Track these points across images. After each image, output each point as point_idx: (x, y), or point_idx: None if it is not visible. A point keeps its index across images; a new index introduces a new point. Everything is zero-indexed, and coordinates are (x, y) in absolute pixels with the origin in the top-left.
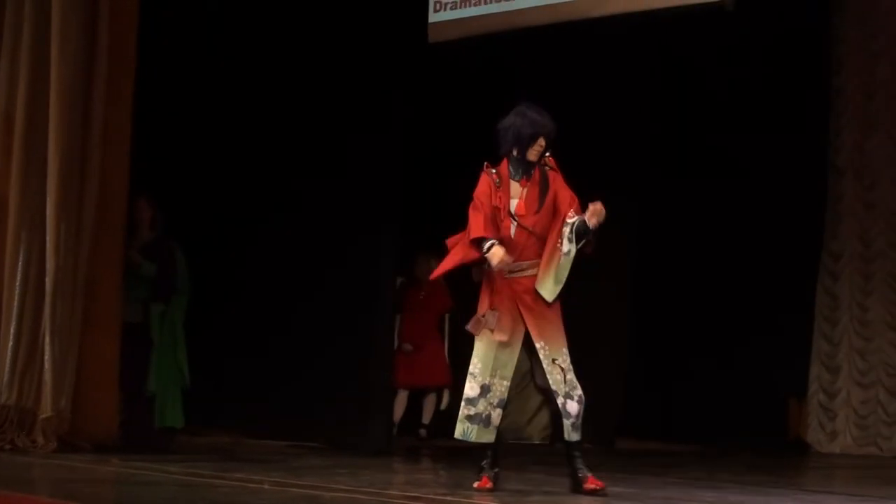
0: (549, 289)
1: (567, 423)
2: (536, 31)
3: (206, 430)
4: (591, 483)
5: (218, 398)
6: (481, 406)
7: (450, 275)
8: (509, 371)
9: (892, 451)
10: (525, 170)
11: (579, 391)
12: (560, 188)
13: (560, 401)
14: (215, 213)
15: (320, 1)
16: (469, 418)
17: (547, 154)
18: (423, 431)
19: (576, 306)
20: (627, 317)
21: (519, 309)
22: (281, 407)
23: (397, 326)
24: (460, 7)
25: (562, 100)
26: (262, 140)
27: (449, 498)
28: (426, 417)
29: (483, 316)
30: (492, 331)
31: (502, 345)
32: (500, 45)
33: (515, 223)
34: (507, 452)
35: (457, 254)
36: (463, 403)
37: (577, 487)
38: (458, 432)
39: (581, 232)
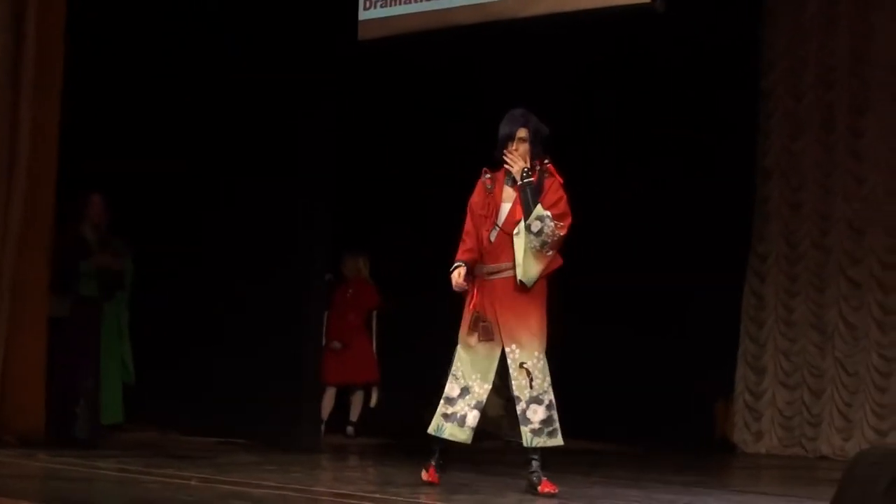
0: (520, 272)
1: (526, 429)
2: (466, 30)
3: (135, 425)
4: (546, 487)
5: (147, 394)
6: (459, 406)
7: (375, 272)
8: (490, 374)
9: (816, 451)
10: (512, 176)
11: (550, 397)
12: (550, 192)
13: (521, 406)
14: (147, 209)
15: None
16: (445, 416)
17: (546, 161)
18: (350, 429)
19: None
20: (553, 317)
21: (497, 310)
22: (210, 403)
23: (325, 324)
24: (389, 5)
25: (489, 100)
26: (193, 136)
27: (377, 495)
28: (354, 415)
29: (485, 321)
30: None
31: (482, 347)
32: (433, 44)
33: (497, 228)
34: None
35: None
36: (442, 401)
37: (531, 489)
38: (432, 427)
39: (522, 198)
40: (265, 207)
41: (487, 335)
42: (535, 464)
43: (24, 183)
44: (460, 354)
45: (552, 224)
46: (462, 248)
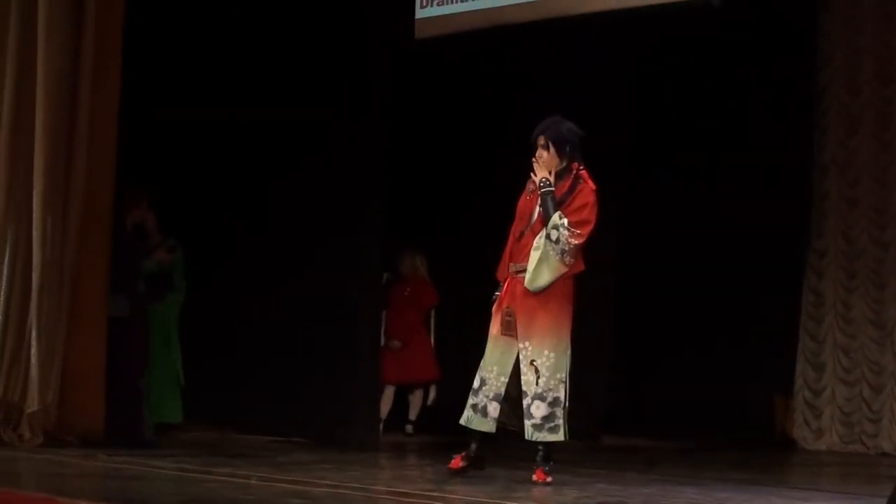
0: (528, 279)
1: (528, 423)
2: (522, 28)
3: (193, 425)
4: (537, 476)
5: (205, 393)
6: (480, 397)
7: (434, 270)
8: (507, 367)
9: (877, 448)
10: (556, 177)
11: (556, 394)
12: (578, 196)
13: (527, 401)
14: (202, 207)
15: None
16: (472, 407)
17: (581, 167)
18: (409, 427)
19: None
20: (612, 313)
21: (520, 307)
22: (268, 402)
23: (383, 323)
24: (446, 3)
25: (544, 98)
26: (248, 135)
27: (435, 493)
28: (413, 413)
29: (509, 317)
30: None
31: (502, 341)
32: (485, 42)
33: (528, 228)
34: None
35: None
36: (470, 393)
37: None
38: (463, 418)
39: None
40: (321, 204)
41: (509, 329)
42: (538, 455)
43: (83, 179)
44: (487, 346)
45: (566, 233)
46: (499, 269)
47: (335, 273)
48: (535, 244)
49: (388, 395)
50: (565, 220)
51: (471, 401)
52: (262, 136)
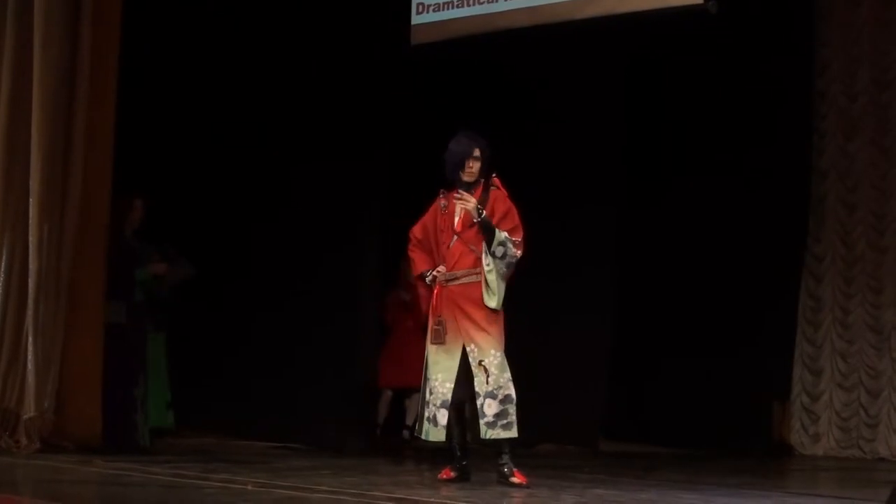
0: (487, 299)
1: (481, 422)
2: (517, 34)
3: (190, 431)
4: (517, 477)
5: (202, 399)
6: (431, 407)
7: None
8: (452, 374)
9: (874, 453)
10: (465, 189)
11: (506, 391)
12: (497, 203)
13: (479, 401)
14: (199, 214)
15: (304, 2)
16: (427, 419)
17: (493, 175)
18: (406, 432)
19: (558, 310)
20: (612, 320)
21: (456, 314)
22: (265, 408)
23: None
24: (442, 9)
25: (539, 103)
26: (245, 142)
27: (433, 500)
28: (410, 418)
29: (438, 325)
30: (445, 334)
31: (444, 349)
32: (480, 49)
33: (455, 237)
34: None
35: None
36: (422, 406)
37: (501, 480)
38: (418, 430)
39: (484, 231)
40: (318, 208)
41: (437, 338)
42: (505, 456)
43: (80, 186)
44: (427, 357)
45: (512, 246)
46: (419, 260)
47: (333, 279)
48: (486, 266)
49: (386, 399)
50: (506, 235)
51: (425, 413)
52: (261, 143)
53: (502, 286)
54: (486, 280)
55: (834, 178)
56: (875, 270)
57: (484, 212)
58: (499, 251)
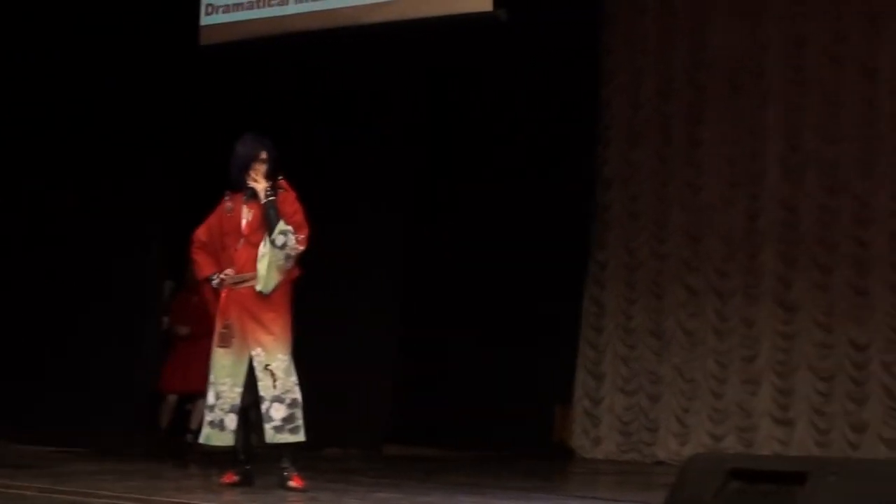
0: (256, 282)
1: (268, 426)
2: (311, 37)
3: None
4: (295, 482)
5: None
6: (216, 412)
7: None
8: (240, 378)
9: (653, 456)
10: (252, 193)
11: (293, 395)
12: (285, 205)
13: (265, 406)
14: None
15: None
16: (210, 423)
17: (280, 177)
18: (190, 437)
19: (345, 313)
20: (398, 324)
21: (244, 318)
22: (48, 412)
23: (167, 331)
24: (232, 11)
25: (334, 107)
26: (28, 147)
27: None
28: (195, 423)
29: (226, 329)
30: (233, 338)
31: (232, 353)
32: (277, 50)
33: (243, 240)
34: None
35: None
36: (205, 410)
37: (282, 483)
38: (202, 437)
39: (268, 216)
40: (99, 216)
41: (225, 342)
42: (285, 460)
43: None
44: (213, 361)
45: (293, 239)
46: (204, 263)
47: (117, 285)
48: (260, 252)
49: (170, 404)
50: (290, 228)
51: (207, 417)
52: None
53: (274, 275)
54: (258, 265)
55: (618, 186)
56: (657, 277)
57: (273, 196)
58: (279, 240)
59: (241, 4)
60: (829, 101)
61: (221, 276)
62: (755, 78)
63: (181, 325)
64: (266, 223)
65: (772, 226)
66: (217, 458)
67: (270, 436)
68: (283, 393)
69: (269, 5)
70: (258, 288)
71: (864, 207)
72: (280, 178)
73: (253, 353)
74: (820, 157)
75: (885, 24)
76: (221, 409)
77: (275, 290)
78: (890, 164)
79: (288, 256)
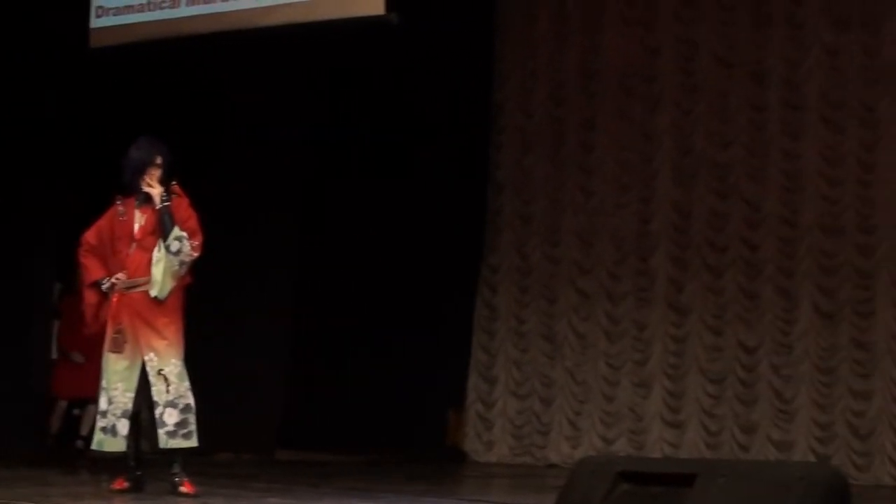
0: (150, 287)
1: (161, 431)
2: (202, 40)
3: None
4: (186, 487)
5: None
6: (109, 417)
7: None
8: (132, 383)
9: (545, 459)
10: (146, 197)
11: (186, 400)
12: (179, 211)
13: (158, 411)
14: None
15: None
16: (102, 429)
17: (173, 183)
18: (80, 443)
19: (236, 317)
20: (289, 328)
21: (136, 323)
22: None
23: (57, 335)
24: (123, 13)
25: (229, 111)
26: None
27: None
28: (85, 429)
29: (118, 333)
30: (125, 343)
31: (124, 358)
32: (170, 54)
33: (135, 245)
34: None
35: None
36: (97, 416)
37: (174, 489)
38: (94, 443)
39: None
40: None
41: (117, 346)
42: (176, 466)
43: None
44: (105, 366)
45: (188, 245)
46: (92, 267)
47: (4, 289)
48: (155, 257)
49: (60, 410)
50: (185, 234)
51: (100, 423)
52: None
53: (168, 281)
54: (153, 270)
55: (510, 190)
56: (549, 281)
57: (168, 201)
58: (174, 246)
59: (132, 7)
60: (719, 106)
61: (112, 280)
62: (646, 83)
63: (77, 353)
64: (161, 228)
65: (663, 229)
66: (107, 465)
67: (164, 441)
68: (176, 398)
69: (161, 8)
70: (153, 293)
71: (754, 211)
72: (174, 183)
73: (146, 358)
74: (711, 161)
75: (775, 30)
76: (114, 415)
77: (168, 295)
78: (779, 168)
79: (182, 262)
